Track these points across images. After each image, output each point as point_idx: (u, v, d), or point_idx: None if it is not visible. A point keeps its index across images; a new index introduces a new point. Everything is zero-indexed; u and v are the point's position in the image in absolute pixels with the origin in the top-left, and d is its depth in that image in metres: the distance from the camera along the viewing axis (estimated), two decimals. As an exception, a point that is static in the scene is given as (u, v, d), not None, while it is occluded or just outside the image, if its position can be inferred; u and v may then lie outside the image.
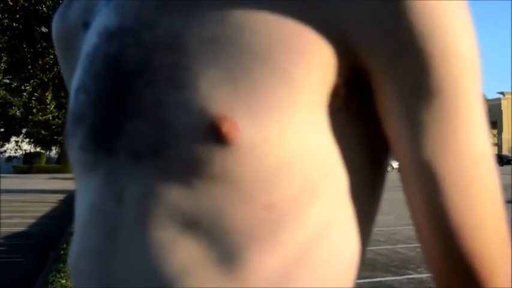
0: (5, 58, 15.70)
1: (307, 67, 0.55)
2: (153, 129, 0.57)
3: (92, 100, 0.63)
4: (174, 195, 0.56)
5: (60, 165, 55.02)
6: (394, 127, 0.58)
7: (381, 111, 0.59)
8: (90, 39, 0.67)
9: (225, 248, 0.55)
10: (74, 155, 0.65)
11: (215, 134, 0.54)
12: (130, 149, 0.58)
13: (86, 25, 0.72)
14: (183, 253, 0.56)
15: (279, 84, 0.55)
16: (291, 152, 0.55)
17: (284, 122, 0.55)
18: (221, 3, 0.58)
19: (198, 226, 0.56)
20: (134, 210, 0.58)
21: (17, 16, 14.41)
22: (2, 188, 27.73)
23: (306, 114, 0.56)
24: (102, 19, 0.66)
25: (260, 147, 0.54)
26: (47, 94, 16.47)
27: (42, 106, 17.12)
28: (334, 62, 0.56)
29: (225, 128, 0.54)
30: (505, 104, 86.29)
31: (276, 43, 0.56)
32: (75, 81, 0.67)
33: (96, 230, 0.61)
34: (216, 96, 0.54)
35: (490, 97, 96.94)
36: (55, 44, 0.82)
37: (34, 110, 17.25)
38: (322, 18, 0.56)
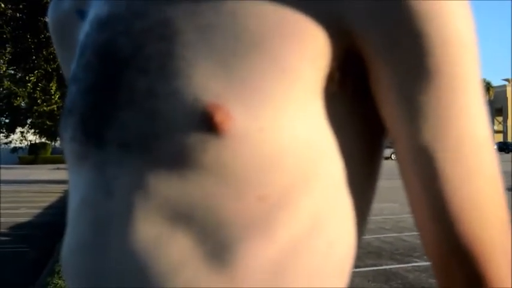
0: (8, 49, 15.69)
1: (301, 54, 0.54)
2: (144, 119, 0.55)
3: (82, 90, 0.62)
4: (165, 187, 0.54)
5: (65, 156, 55.10)
6: (391, 111, 0.57)
7: (378, 96, 0.58)
8: (83, 30, 0.66)
9: (219, 241, 0.54)
10: (66, 147, 0.64)
11: (208, 124, 0.53)
12: (119, 140, 0.57)
13: (80, 13, 0.71)
14: (174, 248, 0.54)
15: (273, 72, 0.54)
16: (286, 140, 0.54)
17: (278, 110, 0.54)
18: None
19: (190, 218, 0.54)
20: (123, 203, 0.56)
21: (20, 6, 14.41)
22: (8, 178, 27.79)
23: (301, 102, 0.55)
24: (94, 8, 0.65)
25: (254, 137, 0.53)
26: (51, 84, 16.47)
27: (47, 96, 17.11)
28: (328, 47, 0.55)
29: (218, 117, 0.52)
30: (510, 91, 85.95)
31: (270, 30, 0.55)
32: (70, 73, 0.67)
33: (86, 224, 0.59)
34: (209, 85, 0.53)
35: (495, 84, 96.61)
36: (51, 34, 0.80)
37: (39, 101, 17.25)
38: (316, 2, 0.55)
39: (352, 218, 0.60)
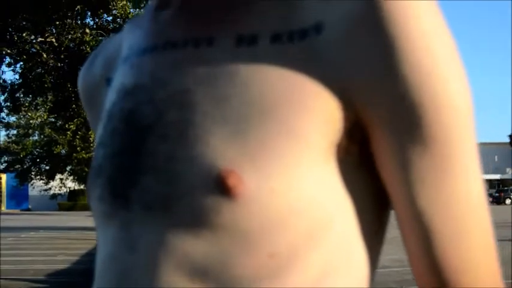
0: (50, 97, 16.10)
1: (310, 121, 0.58)
2: (164, 182, 0.60)
3: (109, 154, 0.66)
4: (184, 245, 0.59)
5: (103, 202, 55.64)
6: (390, 176, 0.60)
7: (378, 161, 0.61)
8: (109, 97, 0.71)
9: None
10: (94, 206, 0.68)
11: (222, 187, 0.56)
12: (143, 201, 0.61)
13: (108, 81, 0.77)
14: None
15: (284, 138, 0.58)
16: (295, 201, 0.58)
17: (288, 172, 0.57)
18: (229, 62, 0.61)
19: (207, 274, 0.58)
20: (146, 258, 0.60)
21: (62, 56, 14.79)
22: (47, 225, 28.10)
23: (310, 165, 0.58)
24: (120, 78, 0.71)
25: (265, 198, 0.57)
26: (90, 132, 16.77)
27: (86, 144, 17.41)
28: (336, 115, 0.59)
29: (231, 181, 0.56)
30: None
31: (281, 99, 0.58)
32: (97, 137, 0.72)
33: (112, 276, 0.64)
34: (224, 152, 0.57)
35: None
36: (81, 98, 0.87)
37: (78, 148, 17.58)
38: (325, 74, 0.59)
39: (359, 273, 0.63)
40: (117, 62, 0.76)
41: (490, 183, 73.08)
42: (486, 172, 75.47)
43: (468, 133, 0.59)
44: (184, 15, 0.68)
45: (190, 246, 0.58)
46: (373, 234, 0.65)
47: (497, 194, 55.82)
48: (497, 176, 71.95)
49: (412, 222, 0.60)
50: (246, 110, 0.59)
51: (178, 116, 0.61)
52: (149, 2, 0.76)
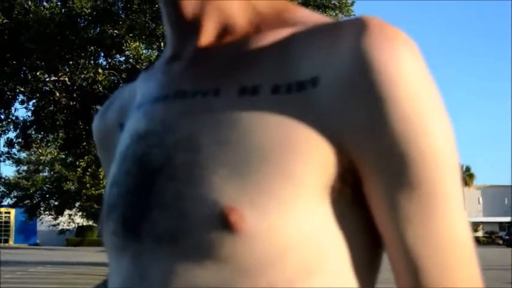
0: (61, 134, 16.10)
1: (305, 165, 0.63)
2: (173, 217, 0.65)
3: (123, 192, 0.72)
4: (189, 275, 0.64)
5: (111, 238, 54.89)
6: (380, 216, 0.65)
7: (369, 202, 0.66)
8: (123, 140, 0.78)
9: None
10: (107, 239, 0.74)
11: (224, 223, 0.62)
12: (153, 234, 0.67)
13: (121, 126, 0.85)
14: None
15: (281, 180, 0.63)
16: (291, 237, 0.63)
17: (284, 211, 0.62)
18: (233, 110, 0.67)
19: None
20: (155, 286, 0.66)
21: (74, 95, 14.83)
22: (55, 260, 27.89)
23: (304, 205, 0.63)
24: (134, 123, 0.77)
25: (264, 234, 0.62)
26: (100, 169, 16.78)
27: (96, 181, 17.40)
28: (329, 160, 0.64)
29: (233, 218, 0.62)
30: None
31: (279, 144, 0.64)
32: (110, 176, 0.78)
33: None
34: (226, 191, 0.63)
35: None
36: (96, 141, 0.94)
37: (88, 185, 17.56)
38: (319, 123, 0.64)
39: None
40: (130, 109, 0.83)
41: (500, 226, 71.78)
42: (496, 214, 73.78)
43: (452, 177, 0.64)
44: (193, 68, 0.74)
45: (196, 276, 0.63)
46: (366, 269, 0.68)
47: (507, 237, 54.42)
48: (507, 219, 70.62)
49: (401, 260, 0.64)
50: (246, 154, 0.64)
51: (185, 158, 0.66)
52: (161, 56, 0.84)
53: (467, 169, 74.38)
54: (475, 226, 75.34)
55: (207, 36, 0.76)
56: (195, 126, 0.69)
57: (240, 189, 0.63)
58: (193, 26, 0.76)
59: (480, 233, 73.87)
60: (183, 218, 0.64)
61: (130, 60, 14.26)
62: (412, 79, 0.62)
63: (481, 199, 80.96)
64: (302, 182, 0.63)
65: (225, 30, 0.76)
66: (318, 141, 0.64)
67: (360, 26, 0.64)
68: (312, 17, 0.75)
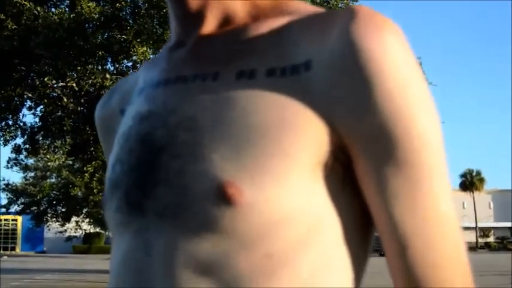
0: (68, 140, 16.14)
1: (299, 142, 0.68)
2: (175, 193, 0.70)
3: (126, 170, 0.77)
4: (191, 247, 0.68)
5: (118, 245, 54.93)
6: (369, 193, 0.70)
7: (359, 181, 0.71)
8: (125, 123, 0.83)
9: None
10: (110, 216, 0.79)
11: (223, 196, 0.66)
12: (156, 209, 0.71)
13: (122, 112, 0.89)
14: None
15: (276, 156, 0.68)
16: (286, 210, 0.68)
17: (280, 185, 0.67)
18: (230, 92, 0.72)
19: (211, 271, 0.68)
20: (160, 259, 0.70)
21: (82, 101, 14.88)
22: (62, 267, 27.95)
23: (298, 180, 0.68)
24: (136, 106, 0.82)
25: (261, 206, 0.67)
26: (107, 175, 16.74)
27: (103, 186, 17.41)
28: (322, 139, 0.69)
29: (231, 191, 0.66)
30: None
31: (274, 123, 0.69)
32: (112, 156, 0.82)
33: (129, 274, 0.74)
34: (225, 167, 0.68)
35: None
36: (97, 128, 0.99)
37: (95, 191, 17.59)
38: (312, 104, 0.69)
39: (348, 272, 0.72)
40: (132, 96, 0.88)
41: (511, 231, 71.79)
42: (508, 219, 73.90)
43: (436, 157, 0.69)
44: (194, 54, 0.80)
45: (197, 248, 0.68)
46: (358, 243, 0.74)
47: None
48: (515, 223, 70.76)
49: (390, 235, 0.69)
50: (244, 132, 0.69)
51: (187, 137, 0.71)
52: (164, 45, 0.89)
53: (478, 173, 74.18)
54: (486, 231, 75.17)
55: (209, 26, 0.81)
56: (195, 108, 0.73)
57: (237, 165, 0.67)
58: (197, 17, 0.81)
59: (491, 239, 73.75)
60: (185, 193, 0.69)
61: (138, 65, 14.22)
62: (397, 64, 0.67)
63: (491, 204, 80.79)
64: (296, 158, 0.68)
65: (225, 21, 0.81)
66: (311, 121, 0.69)
67: (350, 14, 0.69)
68: (307, 7, 0.80)
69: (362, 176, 0.70)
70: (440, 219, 0.69)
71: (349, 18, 0.69)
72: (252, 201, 0.66)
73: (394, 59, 0.67)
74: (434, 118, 0.70)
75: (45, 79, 13.89)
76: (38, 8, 13.21)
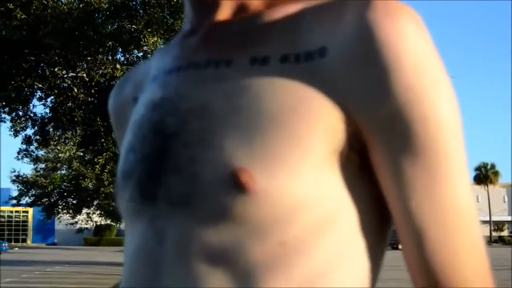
0: (79, 131, 16.18)
1: (313, 130, 0.66)
2: (187, 181, 0.68)
3: (139, 159, 0.75)
4: (204, 235, 0.67)
5: (128, 237, 55.63)
6: (385, 182, 0.68)
7: (375, 169, 0.69)
8: (137, 110, 0.81)
9: (246, 278, 0.65)
10: (123, 205, 0.77)
11: (235, 184, 0.65)
12: (168, 199, 0.70)
13: (135, 100, 0.88)
14: (213, 282, 0.66)
15: (289, 144, 0.66)
16: (299, 198, 0.66)
17: (293, 172, 0.65)
18: (243, 78, 0.70)
19: (225, 260, 0.66)
20: (173, 248, 0.69)
21: (92, 91, 14.91)
22: (73, 259, 28.13)
23: (311, 168, 0.66)
24: (148, 94, 0.81)
25: (273, 193, 0.65)
26: (118, 167, 16.78)
27: (114, 178, 17.45)
28: (337, 126, 0.67)
29: (244, 178, 0.64)
30: None
31: (288, 110, 0.67)
32: (125, 145, 0.80)
33: (142, 264, 0.72)
34: (237, 154, 0.66)
35: None
36: (111, 118, 0.98)
37: (106, 182, 17.59)
38: (327, 91, 0.67)
39: (364, 263, 0.70)
40: (145, 83, 0.87)
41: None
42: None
43: (455, 145, 0.66)
44: (207, 41, 0.78)
45: (209, 236, 0.66)
46: (375, 233, 0.71)
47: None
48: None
49: (405, 226, 0.67)
50: (256, 119, 0.67)
51: (199, 124, 0.70)
52: (179, 32, 0.88)
53: (492, 166, 74.31)
54: (500, 225, 75.52)
55: (223, 14, 0.79)
56: (207, 94, 0.72)
57: (250, 152, 0.66)
58: (212, 4, 0.80)
59: (506, 232, 74.09)
60: (197, 181, 0.67)
61: (149, 55, 14.19)
62: (414, 49, 0.65)
63: (506, 197, 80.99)
64: (310, 145, 0.66)
65: (240, 8, 0.79)
66: (325, 108, 0.67)
67: (366, 1, 0.68)
68: None
69: (378, 165, 0.68)
70: (458, 210, 0.66)
71: (365, 4, 0.67)
72: (265, 189, 0.65)
73: (412, 45, 0.65)
74: (453, 106, 0.67)
75: (55, 69, 13.89)
76: (48, -3, 13.14)
